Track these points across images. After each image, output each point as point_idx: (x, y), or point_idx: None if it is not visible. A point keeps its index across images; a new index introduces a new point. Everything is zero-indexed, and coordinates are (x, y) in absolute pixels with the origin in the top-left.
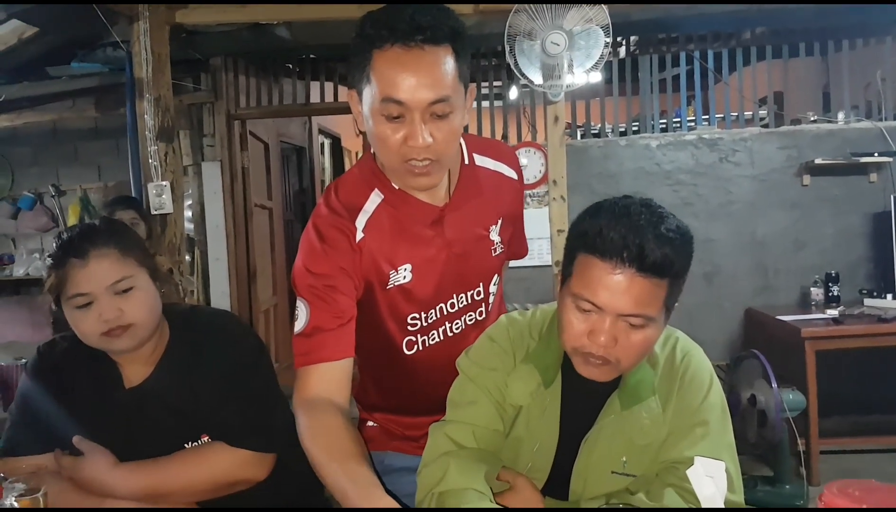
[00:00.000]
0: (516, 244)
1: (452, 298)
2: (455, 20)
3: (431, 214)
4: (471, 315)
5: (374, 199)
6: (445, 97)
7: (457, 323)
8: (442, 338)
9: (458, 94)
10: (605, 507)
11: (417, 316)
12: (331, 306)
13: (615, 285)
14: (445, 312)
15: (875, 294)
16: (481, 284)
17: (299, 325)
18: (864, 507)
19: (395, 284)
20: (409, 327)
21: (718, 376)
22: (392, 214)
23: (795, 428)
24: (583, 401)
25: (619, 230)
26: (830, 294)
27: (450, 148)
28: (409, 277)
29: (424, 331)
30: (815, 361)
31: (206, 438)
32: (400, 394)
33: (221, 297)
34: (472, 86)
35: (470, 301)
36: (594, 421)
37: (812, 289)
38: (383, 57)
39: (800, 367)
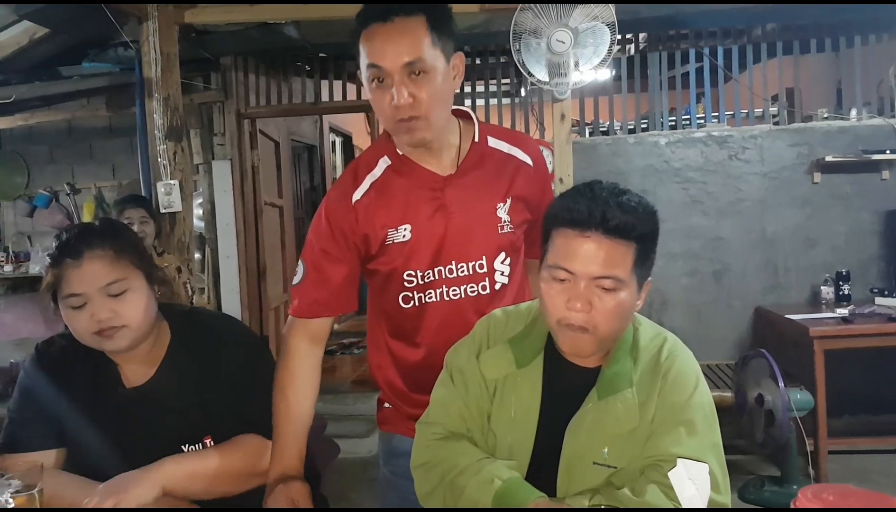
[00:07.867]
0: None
1: (451, 265)
2: None
3: (434, 182)
4: (472, 287)
5: (382, 164)
6: (418, 58)
7: (454, 290)
8: (438, 299)
9: (434, 58)
10: (591, 507)
11: (413, 274)
12: (321, 272)
13: (584, 249)
14: (444, 276)
15: (886, 293)
16: (484, 258)
17: (296, 279)
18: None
19: (394, 241)
20: (405, 284)
21: (727, 375)
22: (396, 178)
23: (803, 428)
24: (563, 392)
25: (584, 202)
26: (841, 293)
27: (434, 106)
28: (408, 236)
29: (421, 288)
30: (823, 361)
31: (209, 440)
32: (406, 353)
33: (231, 294)
34: (460, 54)
35: (471, 272)
36: (573, 412)
37: (822, 287)
38: (367, 33)
39: (809, 366)
